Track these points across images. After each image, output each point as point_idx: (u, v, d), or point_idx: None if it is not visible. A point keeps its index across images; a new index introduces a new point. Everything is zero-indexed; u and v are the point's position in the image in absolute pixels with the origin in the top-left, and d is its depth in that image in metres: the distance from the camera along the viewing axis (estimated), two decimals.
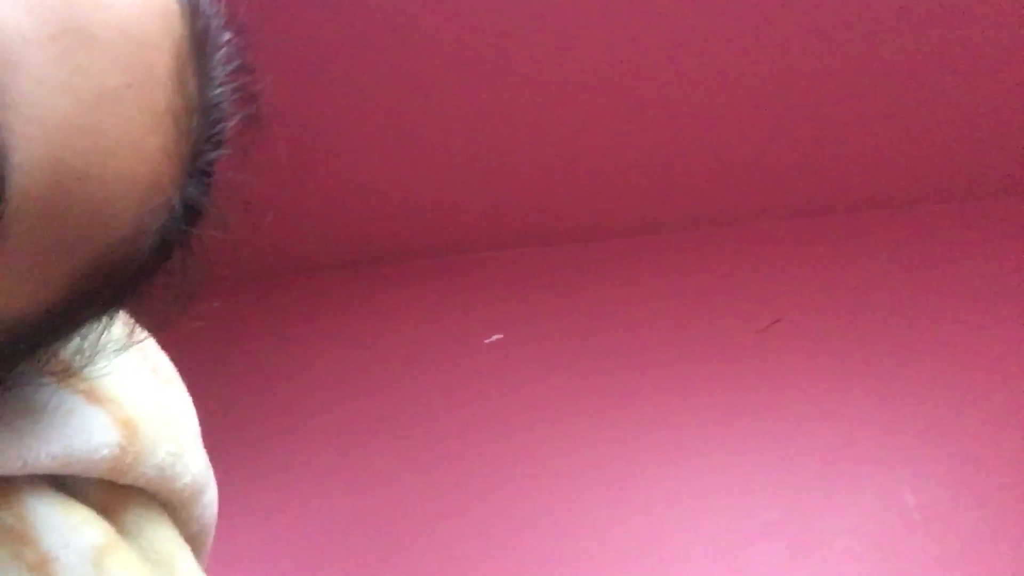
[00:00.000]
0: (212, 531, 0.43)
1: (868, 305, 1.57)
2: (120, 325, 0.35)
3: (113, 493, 0.34)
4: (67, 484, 0.33)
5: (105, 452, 0.32)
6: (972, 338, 1.46)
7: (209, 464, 0.41)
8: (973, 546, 1.18)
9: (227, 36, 0.31)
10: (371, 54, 1.64)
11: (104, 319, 0.33)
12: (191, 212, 0.30)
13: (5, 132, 0.23)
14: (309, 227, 1.90)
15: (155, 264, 0.31)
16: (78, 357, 0.33)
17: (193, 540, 0.40)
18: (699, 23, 1.57)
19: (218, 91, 0.30)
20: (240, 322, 1.84)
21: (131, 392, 0.35)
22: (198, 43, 0.29)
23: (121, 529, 0.34)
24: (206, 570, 0.42)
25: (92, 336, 0.33)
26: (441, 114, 1.72)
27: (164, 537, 0.37)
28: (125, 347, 0.35)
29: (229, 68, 0.31)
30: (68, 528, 0.31)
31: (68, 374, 0.33)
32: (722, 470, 1.34)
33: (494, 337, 1.69)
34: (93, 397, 0.33)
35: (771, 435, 1.38)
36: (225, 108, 0.31)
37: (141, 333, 0.37)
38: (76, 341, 0.32)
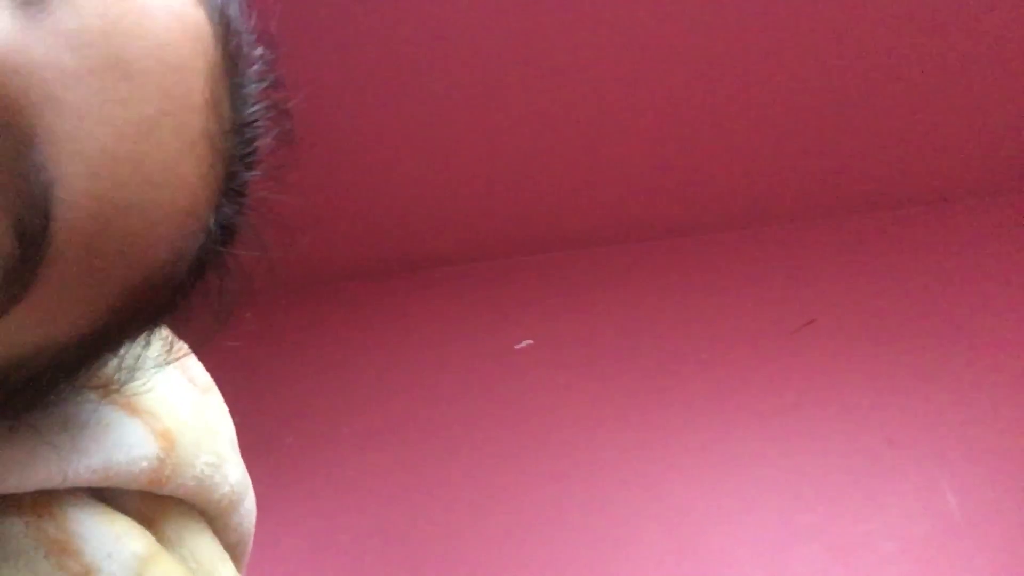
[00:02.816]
0: (250, 540, 0.43)
1: (903, 304, 1.54)
2: (159, 341, 0.35)
3: (153, 504, 0.35)
4: (107, 496, 0.33)
5: (144, 464, 0.33)
6: (1010, 334, 1.43)
7: (247, 473, 0.42)
8: (1018, 546, 1.15)
9: (259, 53, 0.31)
10: (392, 61, 1.65)
11: (143, 338, 0.33)
12: (226, 232, 0.31)
13: (50, 168, 0.24)
14: (336, 237, 1.91)
15: (191, 284, 0.31)
16: (119, 374, 0.33)
17: (232, 549, 0.40)
18: (729, 21, 1.56)
19: (252, 110, 0.30)
20: (270, 333, 1.85)
21: (169, 403, 0.36)
22: (231, 64, 0.29)
23: (162, 539, 0.34)
24: None
25: (132, 354, 0.33)
26: (465, 120, 1.73)
27: (204, 546, 0.37)
28: (166, 363, 0.35)
29: (262, 86, 0.31)
30: (111, 538, 0.31)
31: (109, 390, 0.33)
32: (758, 473, 1.33)
33: (524, 343, 1.69)
34: (131, 409, 0.34)
35: (807, 437, 1.36)
36: (259, 127, 0.31)
37: (180, 349, 0.37)
38: (116, 359, 0.33)
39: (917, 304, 1.53)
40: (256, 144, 0.31)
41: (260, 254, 0.32)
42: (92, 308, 0.27)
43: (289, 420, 1.64)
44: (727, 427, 1.41)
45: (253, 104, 0.30)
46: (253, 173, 0.31)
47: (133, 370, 0.33)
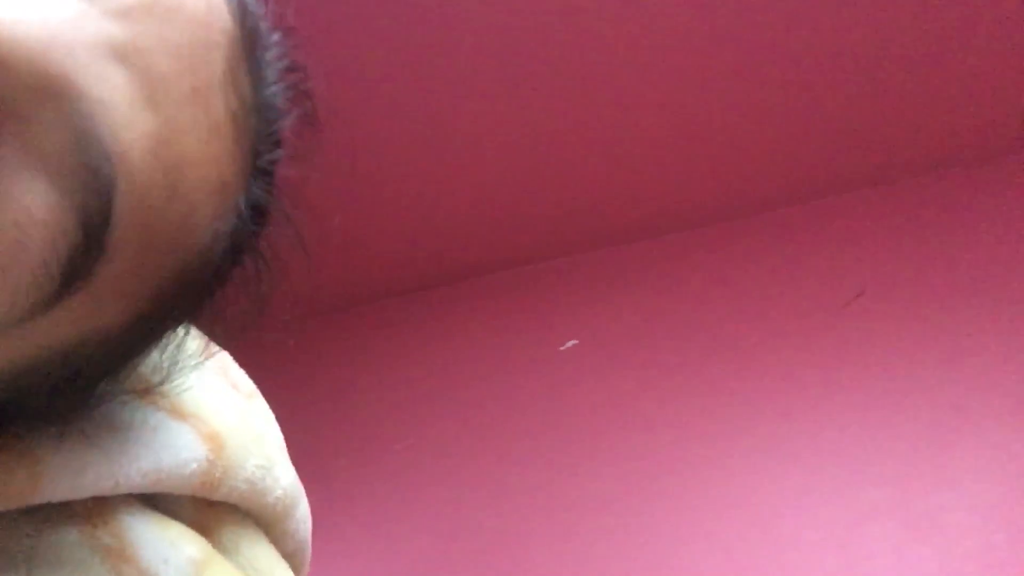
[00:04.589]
0: (308, 549, 0.42)
1: (952, 267, 1.50)
2: (195, 340, 0.35)
3: (207, 511, 0.34)
4: (160, 504, 0.33)
5: (194, 467, 0.32)
6: None
7: (298, 479, 0.41)
8: None
9: (275, 37, 0.31)
10: (415, 74, 1.65)
11: (181, 331, 0.32)
12: (257, 213, 0.30)
13: (113, 158, 0.23)
14: (373, 255, 1.91)
15: (228, 269, 0.31)
16: (156, 373, 0.33)
17: (290, 558, 0.39)
18: None
19: (271, 90, 0.30)
20: (313, 357, 1.86)
21: (214, 407, 0.35)
22: (249, 43, 0.29)
23: (218, 547, 0.34)
24: None
25: (170, 351, 0.33)
26: (495, 126, 1.72)
27: (262, 554, 0.36)
28: (202, 361, 0.35)
29: (279, 67, 0.31)
30: (166, 544, 0.31)
31: (148, 391, 0.33)
32: (824, 451, 1.29)
33: (569, 343, 1.67)
34: (177, 413, 0.33)
35: (870, 411, 1.32)
36: (280, 107, 0.30)
37: (216, 348, 0.36)
38: (154, 357, 0.32)
39: (967, 265, 1.49)
40: (278, 124, 0.30)
41: (299, 244, 0.32)
42: (137, 297, 0.27)
43: (341, 441, 1.64)
44: (785, 409, 1.38)
45: (272, 84, 0.30)
46: (278, 153, 0.30)
47: (172, 369, 0.33)
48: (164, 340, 0.31)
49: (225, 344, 0.37)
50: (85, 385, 0.29)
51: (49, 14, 0.23)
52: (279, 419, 0.42)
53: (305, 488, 0.41)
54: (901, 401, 1.31)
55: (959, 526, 1.15)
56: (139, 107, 0.24)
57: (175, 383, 0.33)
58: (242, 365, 0.42)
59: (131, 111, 0.24)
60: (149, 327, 0.29)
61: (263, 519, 0.36)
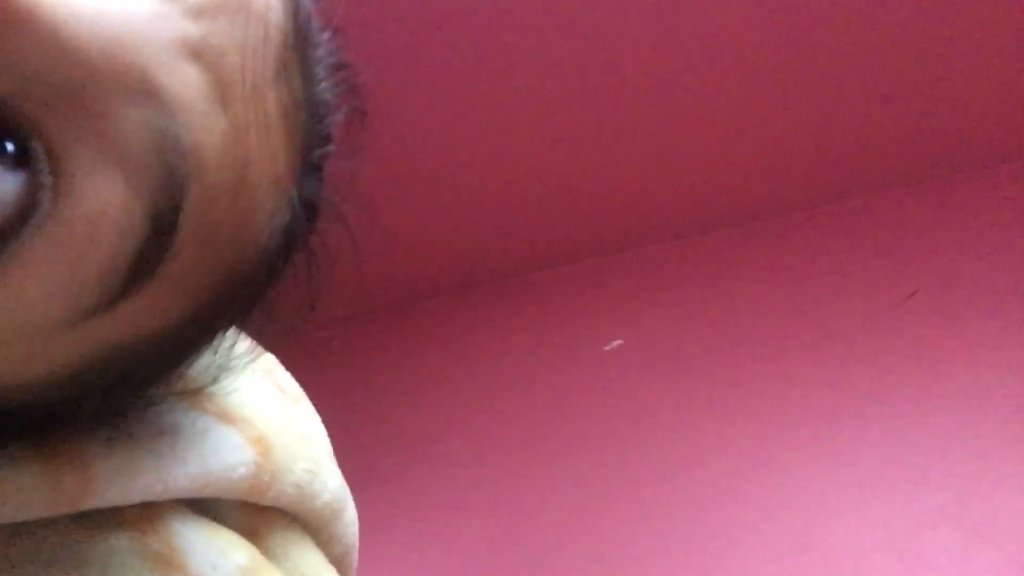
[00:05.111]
0: (355, 552, 0.42)
1: (1012, 263, 1.44)
2: (243, 342, 0.34)
3: (255, 517, 0.34)
4: (208, 509, 0.33)
5: (243, 471, 0.32)
6: None
7: (345, 483, 0.40)
8: None
9: (325, 34, 0.31)
10: (450, 72, 1.65)
11: (231, 333, 0.32)
12: (308, 209, 0.30)
13: (190, 158, 0.23)
14: (415, 255, 1.92)
15: (280, 267, 0.30)
16: (204, 377, 0.33)
17: (338, 563, 0.39)
18: None
19: (320, 86, 0.30)
20: (357, 358, 1.87)
21: (261, 411, 0.35)
22: (299, 38, 0.28)
23: (267, 553, 0.34)
24: None
25: (219, 353, 0.32)
26: (533, 126, 1.72)
27: (310, 560, 0.36)
28: (249, 364, 0.34)
29: (328, 63, 0.30)
30: (214, 551, 0.30)
31: (195, 394, 0.33)
32: (879, 454, 1.26)
33: (614, 343, 1.66)
34: (225, 417, 0.33)
35: (928, 414, 1.28)
36: (329, 102, 0.30)
37: (262, 350, 0.36)
38: (204, 359, 0.32)
39: (1023, 262, 1.44)
40: (327, 119, 0.30)
41: (342, 232, 0.32)
42: (197, 296, 0.27)
43: (387, 443, 1.65)
44: (839, 411, 1.34)
45: (321, 80, 0.30)
46: (328, 148, 0.30)
47: (219, 372, 0.33)
48: (216, 342, 0.31)
49: (273, 345, 0.36)
50: (138, 387, 0.29)
51: (129, 11, 0.22)
52: (323, 421, 0.42)
53: (355, 493, 0.41)
54: (959, 402, 1.27)
55: (1022, 530, 1.12)
56: (213, 106, 0.24)
57: (222, 386, 0.33)
58: (286, 367, 0.42)
59: (206, 110, 0.24)
60: (204, 327, 0.29)
61: (311, 523, 0.36)
